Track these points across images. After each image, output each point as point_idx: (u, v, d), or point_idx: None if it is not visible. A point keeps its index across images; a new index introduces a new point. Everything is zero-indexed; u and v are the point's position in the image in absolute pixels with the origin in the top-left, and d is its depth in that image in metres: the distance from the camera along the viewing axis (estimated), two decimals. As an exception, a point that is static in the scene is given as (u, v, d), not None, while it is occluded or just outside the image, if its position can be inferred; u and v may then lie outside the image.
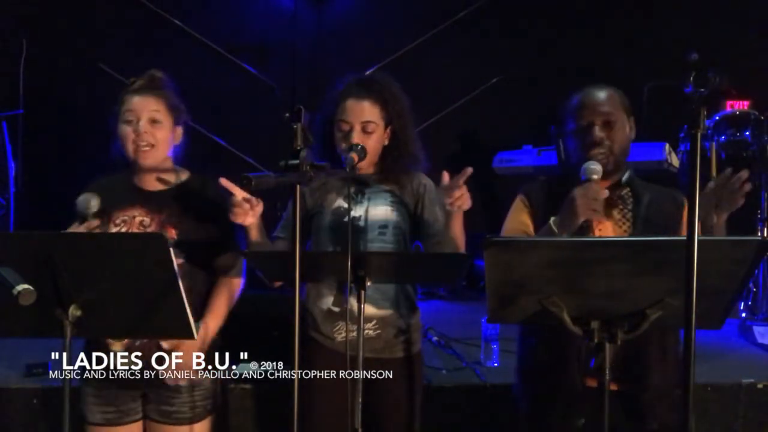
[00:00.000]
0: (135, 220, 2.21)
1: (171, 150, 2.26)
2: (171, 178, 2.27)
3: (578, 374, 2.10)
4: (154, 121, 2.19)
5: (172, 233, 2.19)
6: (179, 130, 2.27)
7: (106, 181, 2.28)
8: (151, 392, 2.23)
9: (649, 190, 2.21)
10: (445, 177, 2.04)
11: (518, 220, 2.24)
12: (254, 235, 2.14)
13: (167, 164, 2.27)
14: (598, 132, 2.15)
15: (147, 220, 2.21)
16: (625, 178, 2.22)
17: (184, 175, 2.30)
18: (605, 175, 2.15)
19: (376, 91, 2.28)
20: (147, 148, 2.19)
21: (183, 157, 2.33)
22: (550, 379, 2.16)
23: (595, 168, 2.07)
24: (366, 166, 2.28)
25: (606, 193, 2.05)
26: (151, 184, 2.25)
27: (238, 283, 2.29)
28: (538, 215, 2.21)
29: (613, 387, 2.07)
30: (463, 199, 2.02)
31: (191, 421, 2.23)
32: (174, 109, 2.24)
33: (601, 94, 2.19)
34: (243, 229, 2.14)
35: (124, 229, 2.20)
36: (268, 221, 2.21)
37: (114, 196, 2.23)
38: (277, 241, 2.31)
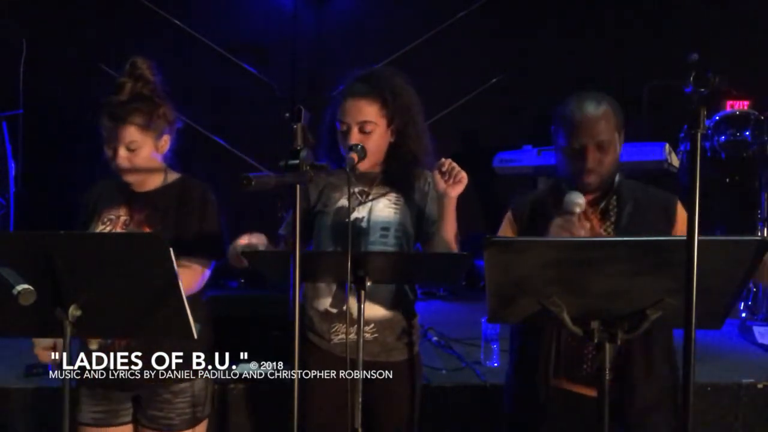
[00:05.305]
0: (120, 220, 2.25)
1: (160, 156, 2.27)
2: (159, 179, 2.28)
3: (548, 376, 2.08)
4: (131, 149, 2.19)
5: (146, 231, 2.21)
6: (164, 138, 2.26)
7: (106, 182, 2.32)
8: (142, 394, 2.22)
9: (634, 198, 2.15)
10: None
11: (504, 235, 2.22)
12: None
13: (156, 165, 2.27)
14: (590, 161, 2.08)
15: (128, 219, 2.24)
16: (615, 184, 2.16)
17: (173, 177, 2.31)
18: (593, 188, 2.13)
19: (375, 88, 2.24)
20: (125, 171, 2.22)
21: (182, 157, 2.33)
22: (525, 380, 2.15)
23: (578, 201, 2.01)
24: (370, 166, 2.26)
25: (587, 226, 2.00)
26: (139, 184, 2.27)
27: (192, 275, 2.21)
28: (522, 232, 2.18)
29: (591, 393, 2.03)
30: (453, 170, 2.08)
31: (179, 428, 2.21)
32: (153, 126, 2.21)
33: (596, 113, 2.09)
34: None
35: (109, 227, 2.23)
36: (268, 221, 2.21)
37: (106, 196, 2.29)
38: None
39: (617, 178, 2.18)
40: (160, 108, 2.23)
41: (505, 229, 2.25)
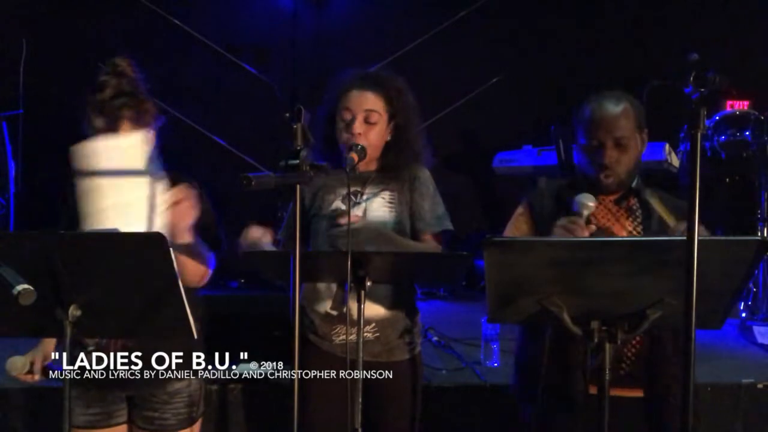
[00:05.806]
0: None
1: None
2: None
3: (583, 382, 2.06)
4: None
5: None
6: (152, 134, 2.21)
7: None
8: (136, 394, 2.20)
9: (658, 198, 2.16)
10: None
11: (518, 229, 2.20)
12: None
13: None
14: (608, 158, 2.09)
15: None
16: (633, 186, 2.17)
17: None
18: (611, 188, 2.14)
19: (380, 84, 2.26)
20: None
21: (182, 156, 2.32)
22: (554, 387, 2.10)
23: (587, 203, 1.99)
24: (367, 162, 2.24)
25: (592, 229, 1.96)
26: None
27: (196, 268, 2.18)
28: (542, 224, 2.14)
29: (638, 393, 2.05)
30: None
31: (175, 428, 2.19)
32: (142, 121, 2.18)
33: (615, 111, 2.10)
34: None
35: None
36: (268, 221, 2.21)
37: None
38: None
39: (636, 180, 2.18)
40: (145, 103, 2.21)
41: (519, 219, 2.21)
